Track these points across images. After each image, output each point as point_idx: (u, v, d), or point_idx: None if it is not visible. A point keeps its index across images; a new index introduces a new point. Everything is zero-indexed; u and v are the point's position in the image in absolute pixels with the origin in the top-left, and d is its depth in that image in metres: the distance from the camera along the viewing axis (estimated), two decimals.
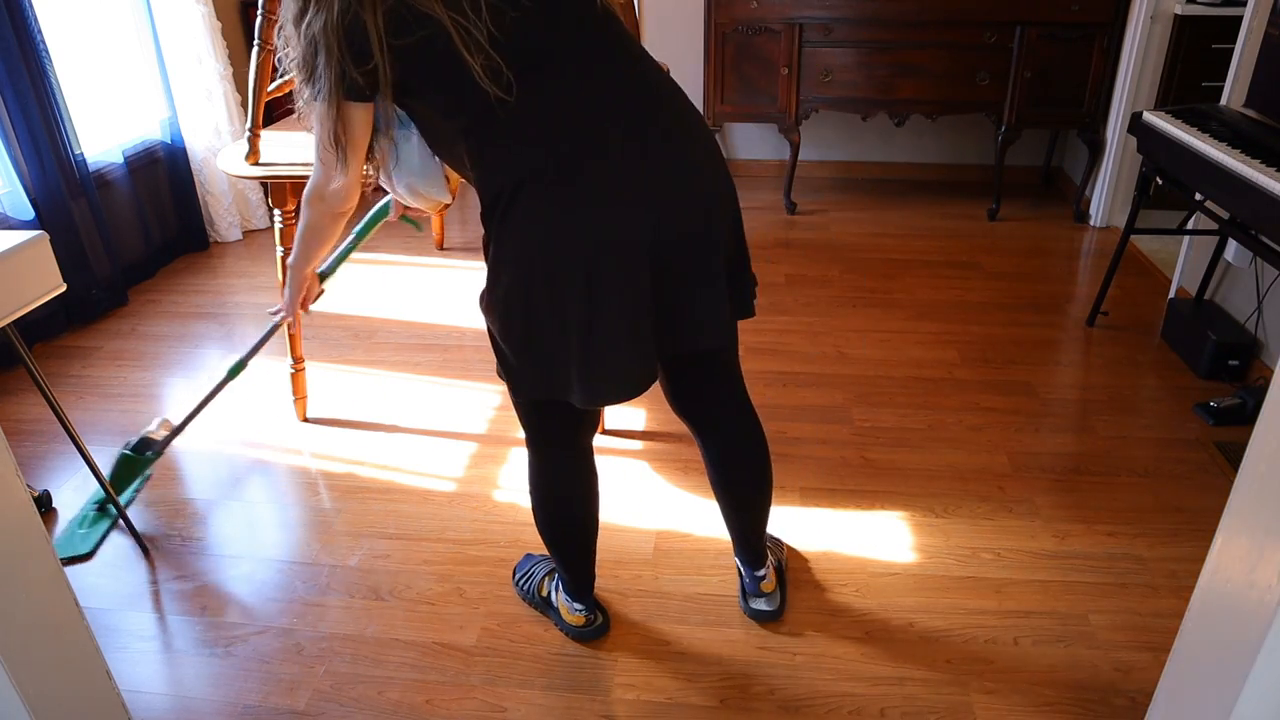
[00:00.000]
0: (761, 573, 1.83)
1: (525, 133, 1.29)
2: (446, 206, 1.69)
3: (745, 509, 1.77)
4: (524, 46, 1.26)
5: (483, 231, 1.39)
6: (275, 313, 1.98)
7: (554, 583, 1.85)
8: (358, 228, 2.05)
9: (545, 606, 1.87)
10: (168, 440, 2.17)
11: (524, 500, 2.19)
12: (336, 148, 1.34)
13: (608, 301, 1.33)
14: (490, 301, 1.42)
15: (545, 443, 1.63)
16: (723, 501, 1.77)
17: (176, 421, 2.18)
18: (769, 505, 1.78)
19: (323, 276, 2.00)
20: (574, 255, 1.31)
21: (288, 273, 1.84)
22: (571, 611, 1.81)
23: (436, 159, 1.50)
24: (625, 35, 1.37)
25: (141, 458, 2.14)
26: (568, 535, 1.73)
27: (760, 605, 1.85)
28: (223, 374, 2.13)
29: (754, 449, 1.69)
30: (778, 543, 2.01)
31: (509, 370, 1.48)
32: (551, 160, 1.29)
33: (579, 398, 1.42)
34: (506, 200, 1.31)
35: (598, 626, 1.81)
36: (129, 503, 2.23)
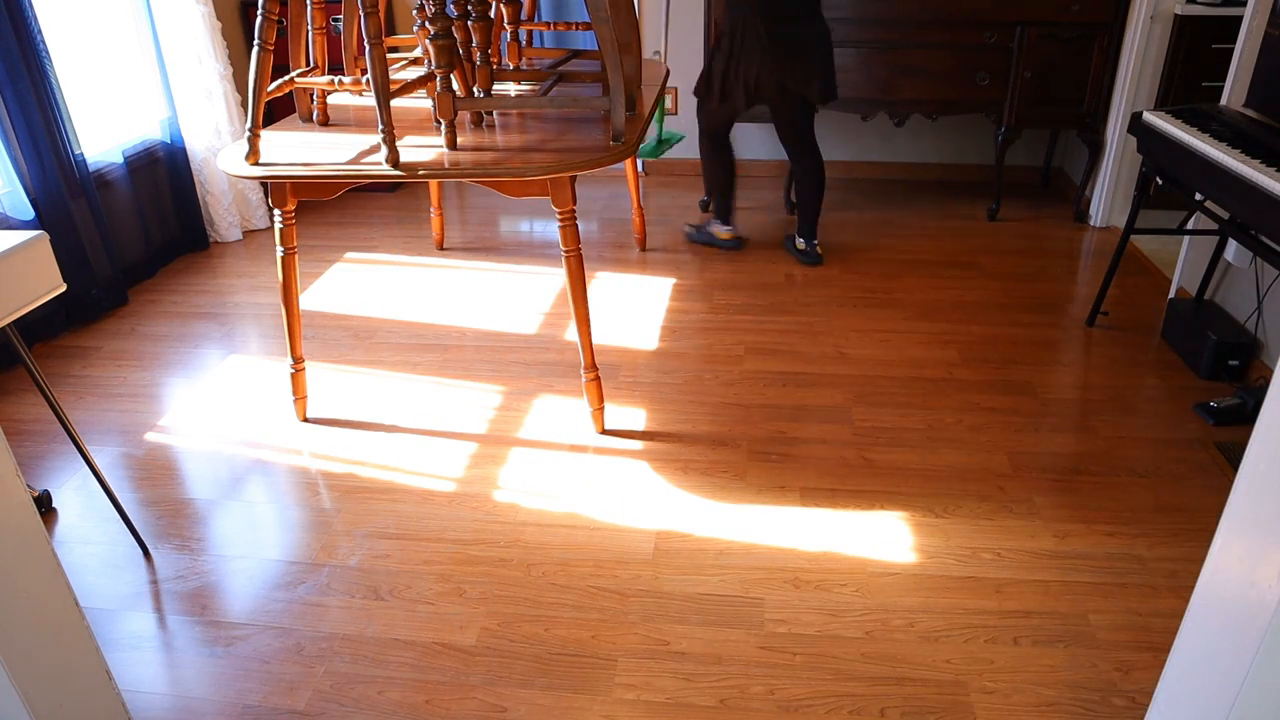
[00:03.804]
0: (816, 242, 3.48)
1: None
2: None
3: (810, 199, 3.45)
4: None
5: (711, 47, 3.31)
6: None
7: (711, 222, 3.63)
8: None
9: (709, 238, 3.63)
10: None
11: (524, 500, 2.21)
12: None
13: (776, 62, 3.15)
14: (712, 68, 3.27)
15: (715, 129, 3.43)
16: (799, 195, 3.49)
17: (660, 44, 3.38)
18: (821, 200, 3.48)
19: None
20: (765, 54, 3.13)
21: None
22: (723, 230, 3.58)
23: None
24: None
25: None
26: (725, 172, 3.53)
27: (803, 250, 3.51)
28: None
29: (820, 168, 3.42)
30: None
31: (715, 91, 3.27)
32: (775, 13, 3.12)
33: (760, 96, 3.24)
34: (743, 26, 3.12)
35: (739, 238, 3.62)
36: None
